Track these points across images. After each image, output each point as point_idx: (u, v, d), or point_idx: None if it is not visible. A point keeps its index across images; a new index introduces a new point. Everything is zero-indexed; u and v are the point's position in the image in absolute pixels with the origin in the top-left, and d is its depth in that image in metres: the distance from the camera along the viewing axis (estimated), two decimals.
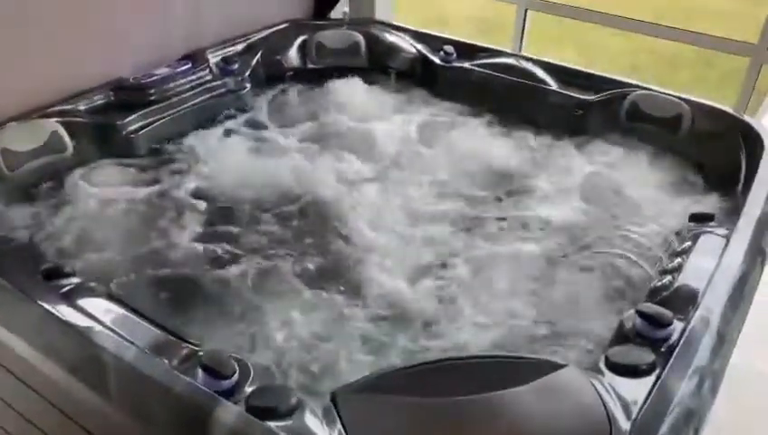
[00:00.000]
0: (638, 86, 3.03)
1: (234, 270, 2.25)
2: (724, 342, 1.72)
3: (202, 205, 2.58)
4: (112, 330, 1.62)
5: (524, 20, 4.18)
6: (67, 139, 2.60)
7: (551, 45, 5.85)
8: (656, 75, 5.69)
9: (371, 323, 2.04)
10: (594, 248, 2.40)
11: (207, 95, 3.05)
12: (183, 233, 2.41)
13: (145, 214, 2.51)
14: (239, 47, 3.37)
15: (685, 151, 2.85)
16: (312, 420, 1.44)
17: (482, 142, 3.06)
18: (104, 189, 2.56)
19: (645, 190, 2.70)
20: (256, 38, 3.45)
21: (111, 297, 1.78)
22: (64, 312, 1.68)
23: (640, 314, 1.72)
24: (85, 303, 1.73)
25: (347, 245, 2.40)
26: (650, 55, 6.13)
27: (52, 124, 2.57)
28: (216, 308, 2.10)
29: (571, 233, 2.48)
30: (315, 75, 3.51)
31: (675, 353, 1.60)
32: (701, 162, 2.80)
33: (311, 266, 2.29)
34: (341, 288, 2.18)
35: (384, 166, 2.89)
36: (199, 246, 2.37)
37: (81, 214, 2.43)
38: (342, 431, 1.41)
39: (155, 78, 2.90)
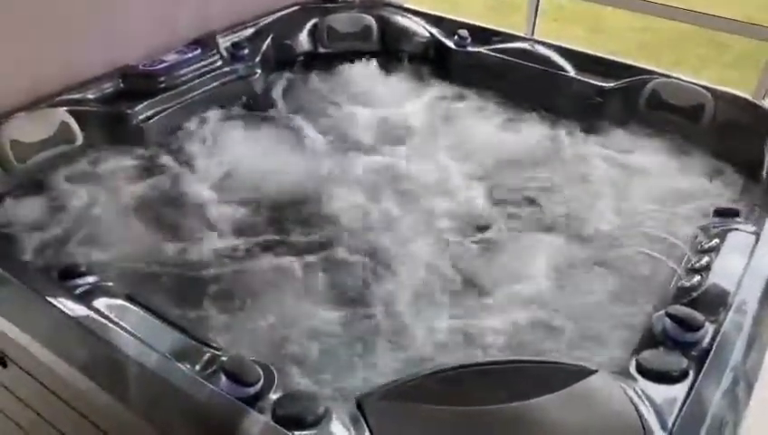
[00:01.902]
0: (658, 73, 2.96)
1: (249, 263, 2.22)
2: (756, 345, 1.68)
3: (213, 195, 2.53)
4: (132, 334, 1.58)
5: (537, 3, 4.08)
6: (77, 128, 2.54)
7: (559, 23, 5.75)
8: (665, 54, 5.60)
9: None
10: (613, 240, 2.35)
11: (218, 82, 2.98)
12: (194, 224, 2.37)
13: (156, 205, 2.47)
14: (249, 32, 3.28)
15: (707, 141, 2.78)
16: (339, 429, 1.41)
17: (497, 130, 3.00)
18: (115, 180, 2.52)
19: (666, 181, 2.64)
20: (266, 22, 3.36)
21: (129, 298, 1.74)
22: (82, 314, 1.65)
23: (671, 316, 1.68)
24: (103, 304, 1.69)
25: (362, 230, 2.37)
26: (658, 34, 6.01)
27: (62, 114, 2.51)
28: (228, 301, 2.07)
29: (588, 224, 2.43)
30: (326, 59, 3.44)
31: (708, 359, 1.57)
32: (723, 153, 2.72)
33: (327, 254, 2.26)
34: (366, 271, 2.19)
35: (397, 153, 2.83)
36: (210, 238, 2.32)
37: (93, 206, 2.38)
38: None
39: (164, 65, 2.83)
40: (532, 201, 2.59)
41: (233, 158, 2.71)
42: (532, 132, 2.98)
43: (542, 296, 2.09)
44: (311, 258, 2.24)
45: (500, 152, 2.84)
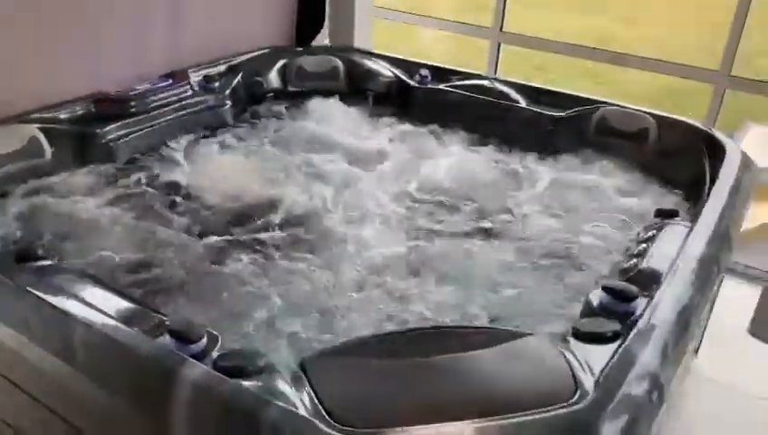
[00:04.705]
0: (605, 102, 3.15)
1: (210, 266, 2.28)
2: (687, 318, 1.74)
3: (178, 212, 2.59)
4: (81, 300, 1.61)
5: (498, 54, 4.34)
6: (46, 144, 2.64)
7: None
8: None
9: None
10: (561, 244, 2.45)
11: (187, 110, 3.13)
12: (156, 230, 2.44)
13: (119, 218, 2.51)
14: (221, 68, 3.46)
15: (652, 162, 2.94)
16: (279, 382, 1.43)
17: (454, 157, 3.14)
18: (79, 192, 2.59)
19: (614, 199, 2.78)
20: (238, 60, 3.55)
21: (83, 274, 1.79)
22: (33, 286, 1.68)
23: (606, 289, 1.76)
24: (56, 278, 1.73)
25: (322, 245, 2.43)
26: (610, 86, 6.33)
27: (32, 130, 2.62)
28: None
29: (537, 237, 2.54)
30: (295, 97, 3.60)
31: (640, 322, 1.63)
32: (668, 171, 2.88)
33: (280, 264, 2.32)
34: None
35: (355, 179, 2.94)
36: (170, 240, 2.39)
37: (56, 216, 2.44)
38: (311, 392, 1.40)
39: (136, 91, 2.97)
40: (482, 220, 2.69)
41: (196, 178, 2.80)
42: (487, 159, 3.13)
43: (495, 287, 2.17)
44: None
45: (456, 176, 2.97)
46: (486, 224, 2.60)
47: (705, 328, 2.85)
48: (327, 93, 3.63)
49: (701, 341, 2.88)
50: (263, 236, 2.44)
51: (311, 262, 2.28)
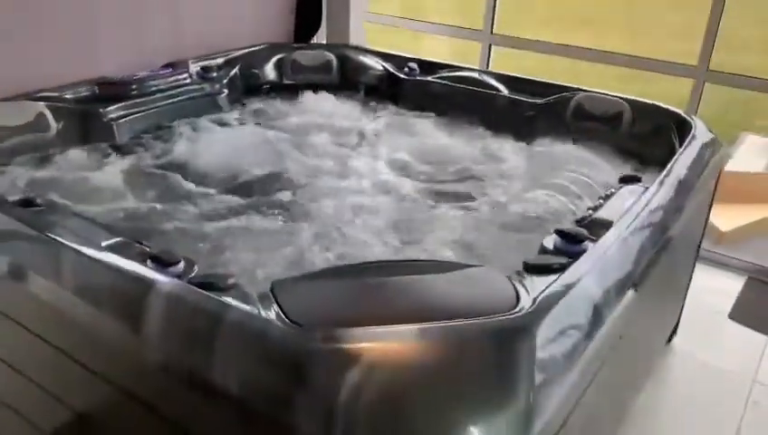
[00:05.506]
0: (582, 90, 3.30)
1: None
2: (628, 258, 1.85)
3: (172, 182, 2.76)
4: (71, 231, 1.78)
5: (489, 55, 4.53)
6: (52, 120, 2.82)
7: None
8: None
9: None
10: (533, 213, 2.59)
11: (186, 95, 3.32)
12: (146, 200, 2.61)
13: (116, 187, 2.69)
14: (219, 60, 3.65)
15: (627, 144, 3.08)
16: (246, 296, 1.56)
17: (438, 139, 3.31)
18: (81, 166, 2.77)
19: (587, 175, 2.90)
20: (236, 54, 3.75)
21: (75, 214, 1.95)
22: (27, 221, 1.85)
23: (558, 232, 1.89)
24: (51, 217, 1.90)
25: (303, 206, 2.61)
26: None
27: (39, 106, 2.81)
28: None
29: (509, 203, 2.69)
30: (290, 89, 3.80)
31: (583, 255, 1.76)
32: (642, 151, 3.01)
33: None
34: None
35: (342, 150, 3.16)
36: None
37: (58, 183, 2.61)
38: (276, 307, 1.53)
39: (137, 76, 3.18)
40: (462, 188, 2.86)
41: (194, 154, 2.98)
42: (468, 140, 3.29)
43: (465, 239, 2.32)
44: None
45: (439, 154, 3.14)
46: (461, 190, 2.75)
47: (681, 311, 2.99)
48: (321, 86, 3.82)
49: (678, 322, 3.01)
50: (254, 200, 2.60)
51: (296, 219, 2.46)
